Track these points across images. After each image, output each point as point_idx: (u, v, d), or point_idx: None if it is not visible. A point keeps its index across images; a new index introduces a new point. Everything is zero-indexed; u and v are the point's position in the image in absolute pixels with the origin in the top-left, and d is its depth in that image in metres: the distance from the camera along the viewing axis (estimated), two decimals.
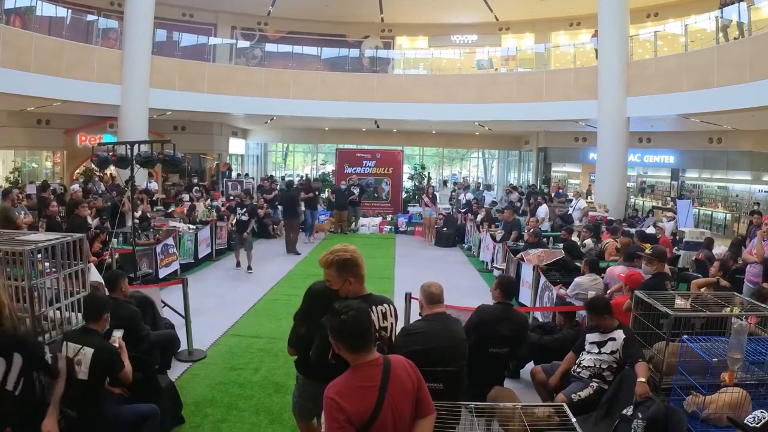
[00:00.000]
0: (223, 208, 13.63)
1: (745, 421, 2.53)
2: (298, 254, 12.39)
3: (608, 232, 9.53)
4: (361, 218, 16.70)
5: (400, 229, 16.57)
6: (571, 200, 15.26)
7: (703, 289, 5.76)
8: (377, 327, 2.96)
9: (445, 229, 14.66)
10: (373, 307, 2.98)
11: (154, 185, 15.79)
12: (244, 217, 10.71)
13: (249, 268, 10.55)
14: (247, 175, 22.63)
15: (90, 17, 15.65)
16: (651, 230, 10.69)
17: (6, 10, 12.62)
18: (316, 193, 14.68)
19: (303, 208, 13.92)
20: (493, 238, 11.30)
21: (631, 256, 6.26)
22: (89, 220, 9.25)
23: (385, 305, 3.06)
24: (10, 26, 12.39)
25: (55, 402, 3.21)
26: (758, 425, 2.48)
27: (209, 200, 14.80)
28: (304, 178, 19.75)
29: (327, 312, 2.47)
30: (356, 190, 16.29)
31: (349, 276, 2.96)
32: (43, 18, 13.90)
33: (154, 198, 14.67)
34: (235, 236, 10.88)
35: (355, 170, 18.18)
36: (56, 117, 17.24)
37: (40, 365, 3.15)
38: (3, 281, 3.33)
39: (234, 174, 21.46)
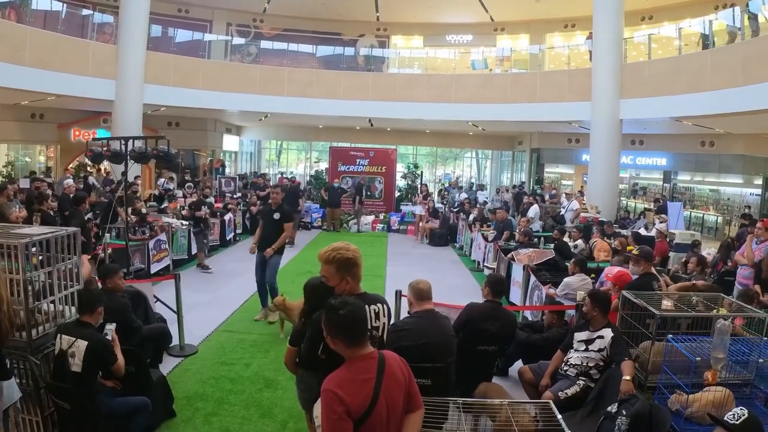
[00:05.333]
0: (216, 205, 13.61)
1: (725, 418, 2.58)
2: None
3: (596, 233, 9.62)
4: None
5: (393, 227, 16.62)
6: (561, 201, 15.33)
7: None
8: (370, 326, 2.97)
9: (437, 228, 14.71)
10: (367, 306, 2.97)
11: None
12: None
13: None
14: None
15: (85, 12, 15.60)
16: (643, 232, 10.77)
17: (1, 3, 12.60)
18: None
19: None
20: (485, 237, 11.36)
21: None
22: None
23: (379, 305, 3.06)
24: (6, 20, 12.34)
25: None
26: (738, 422, 2.53)
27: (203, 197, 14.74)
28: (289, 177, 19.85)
29: (323, 306, 2.51)
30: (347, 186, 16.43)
31: (348, 275, 2.98)
32: (39, 12, 13.88)
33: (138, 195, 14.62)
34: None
35: (348, 168, 18.20)
36: (50, 111, 17.20)
37: None
38: (6, 276, 3.35)
39: (227, 171, 21.39)
